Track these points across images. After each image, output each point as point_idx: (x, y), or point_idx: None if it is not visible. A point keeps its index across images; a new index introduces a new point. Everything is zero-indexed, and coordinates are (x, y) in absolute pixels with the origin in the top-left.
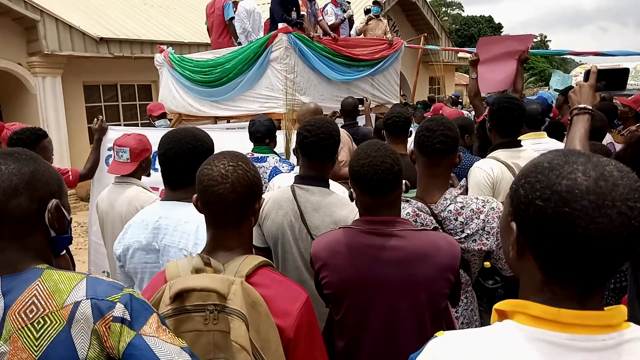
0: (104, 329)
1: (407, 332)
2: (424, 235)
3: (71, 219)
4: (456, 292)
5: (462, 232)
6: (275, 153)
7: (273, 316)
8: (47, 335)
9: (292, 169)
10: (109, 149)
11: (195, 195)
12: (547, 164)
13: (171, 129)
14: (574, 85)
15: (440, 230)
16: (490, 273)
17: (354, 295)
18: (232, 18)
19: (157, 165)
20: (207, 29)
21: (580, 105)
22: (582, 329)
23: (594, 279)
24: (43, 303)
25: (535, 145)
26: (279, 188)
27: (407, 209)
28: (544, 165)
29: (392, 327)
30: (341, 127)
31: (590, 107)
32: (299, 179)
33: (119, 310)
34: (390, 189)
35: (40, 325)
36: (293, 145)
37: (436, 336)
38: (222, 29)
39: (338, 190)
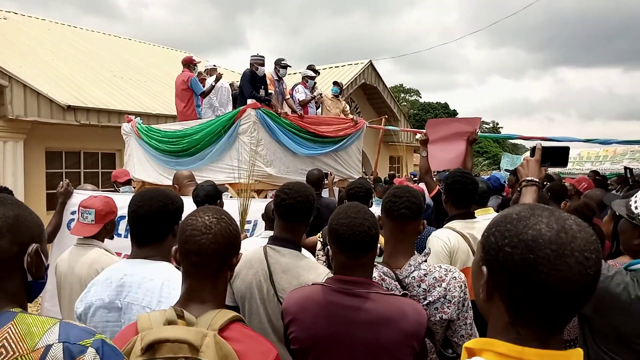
0: None
1: None
2: (392, 300)
3: (48, 265)
4: (424, 357)
5: (425, 299)
6: None
7: None
8: None
9: None
10: (72, 213)
11: (174, 247)
12: (515, 215)
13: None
14: None
15: (409, 297)
16: (449, 342)
17: (318, 352)
18: (203, 92)
19: (120, 231)
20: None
21: (528, 178)
22: None
23: (554, 322)
24: (13, 346)
25: (486, 221)
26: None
27: (373, 273)
28: (512, 216)
29: None
30: None
31: (537, 180)
32: (272, 240)
33: (90, 354)
34: (365, 251)
35: None
36: (252, 214)
37: None
38: (187, 99)
39: (307, 255)
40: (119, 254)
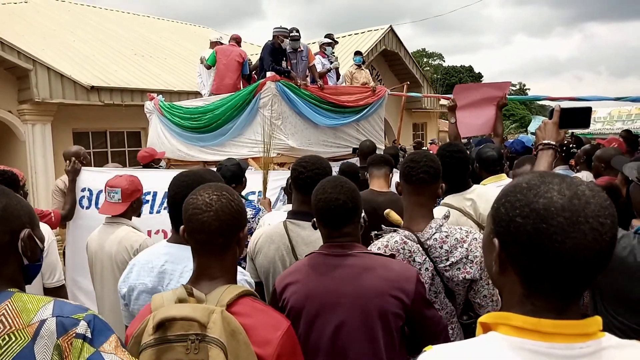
0: (66, 345)
1: (358, 347)
2: (377, 257)
3: (43, 247)
4: (431, 329)
5: (447, 259)
6: (242, 197)
7: (253, 345)
8: (11, 350)
9: (257, 213)
10: (82, 190)
11: (182, 226)
12: (525, 184)
13: (179, 171)
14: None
15: (401, 259)
16: (465, 309)
17: (308, 312)
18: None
19: (157, 207)
20: (207, 67)
21: (544, 141)
22: (561, 338)
23: (570, 291)
24: (10, 321)
25: (499, 187)
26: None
27: (395, 237)
28: (522, 185)
29: (344, 341)
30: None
31: (554, 143)
32: (292, 214)
33: (82, 327)
34: (344, 223)
35: (5, 342)
36: (271, 185)
37: (425, 350)
38: (239, 75)
39: None
40: (164, 232)
